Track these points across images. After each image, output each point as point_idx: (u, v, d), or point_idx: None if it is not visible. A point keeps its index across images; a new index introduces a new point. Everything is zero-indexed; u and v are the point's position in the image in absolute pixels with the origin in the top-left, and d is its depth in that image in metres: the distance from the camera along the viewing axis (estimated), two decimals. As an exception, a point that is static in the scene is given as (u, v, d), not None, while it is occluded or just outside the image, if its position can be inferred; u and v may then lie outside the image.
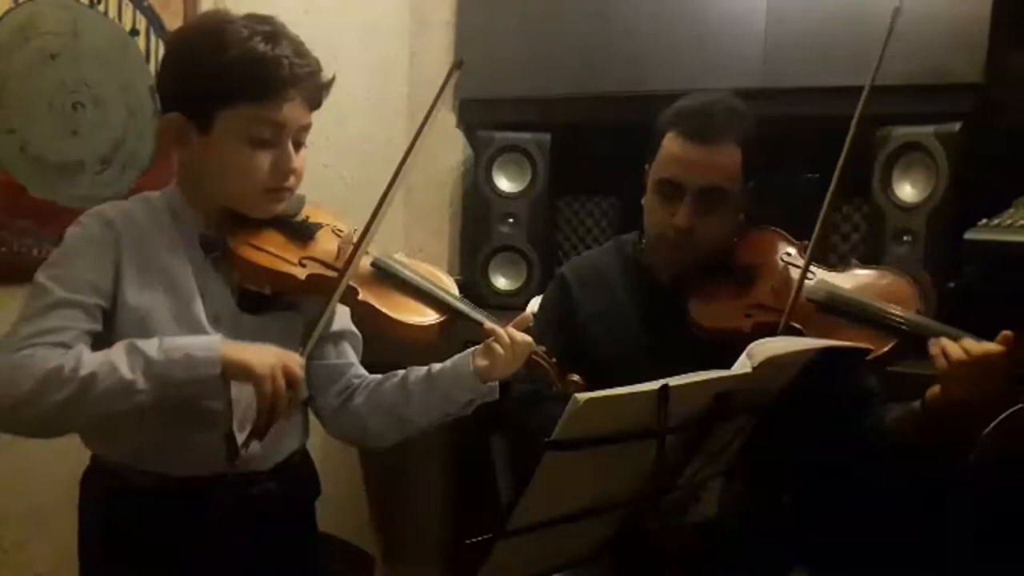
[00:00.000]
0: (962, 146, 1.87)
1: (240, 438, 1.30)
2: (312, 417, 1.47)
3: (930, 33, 1.94)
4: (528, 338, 1.34)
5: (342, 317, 1.42)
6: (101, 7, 1.88)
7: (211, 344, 1.19)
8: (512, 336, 1.33)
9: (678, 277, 1.58)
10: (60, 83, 1.83)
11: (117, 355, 1.16)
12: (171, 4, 1.97)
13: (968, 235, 1.76)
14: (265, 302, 1.33)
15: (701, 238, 1.53)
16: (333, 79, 1.33)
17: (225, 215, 1.31)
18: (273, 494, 1.37)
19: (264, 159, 1.27)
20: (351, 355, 1.45)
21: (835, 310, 1.46)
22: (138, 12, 1.93)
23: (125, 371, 1.14)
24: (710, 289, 1.55)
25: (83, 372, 1.13)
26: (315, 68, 1.30)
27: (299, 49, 1.28)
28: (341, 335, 1.44)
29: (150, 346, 1.17)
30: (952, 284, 1.85)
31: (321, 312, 1.28)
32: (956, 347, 1.29)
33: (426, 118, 1.34)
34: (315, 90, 1.31)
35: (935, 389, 1.33)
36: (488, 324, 1.34)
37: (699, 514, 1.34)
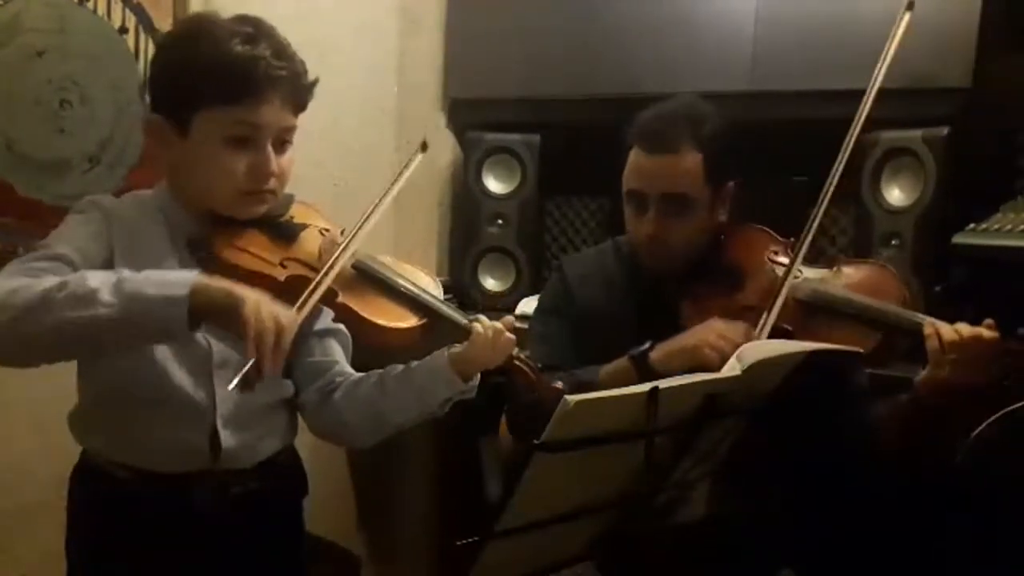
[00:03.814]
0: (950, 150, 1.88)
1: (223, 435, 1.30)
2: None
3: (918, 37, 1.94)
4: (511, 336, 1.32)
5: (330, 316, 1.41)
6: (89, 4, 1.87)
7: (189, 272, 1.14)
8: (494, 327, 1.31)
9: (670, 280, 1.60)
10: (47, 81, 1.82)
11: (95, 271, 1.13)
12: (160, 1, 1.96)
13: (956, 239, 1.77)
14: None
15: (673, 244, 1.56)
16: (316, 81, 1.32)
17: (211, 216, 1.31)
18: (258, 493, 1.36)
19: (241, 161, 1.26)
20: (336, 353, 1.44)
21: (820, 308, 1.47)
22: (127, 9, 1.92)
23: (93, 281, 1.10)
24: (700, 293, 1.56)
25: (55, 280, 1.10)
26: (296, 69, 1.28)
27: (280, 50, 1.26)
28: (327, 333, 1.43)
29: (130, 272, 1.13)
30: (939, 288, 1.86)
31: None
32: (949, 328, 1.32)
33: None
34: (296, 91, 1.29)
35: (924, 373, 1.35)
36: (469, 321, 1.32)
37: (688, 515, 1.34)
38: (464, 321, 1.33)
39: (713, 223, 1.60)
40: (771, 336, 1.40)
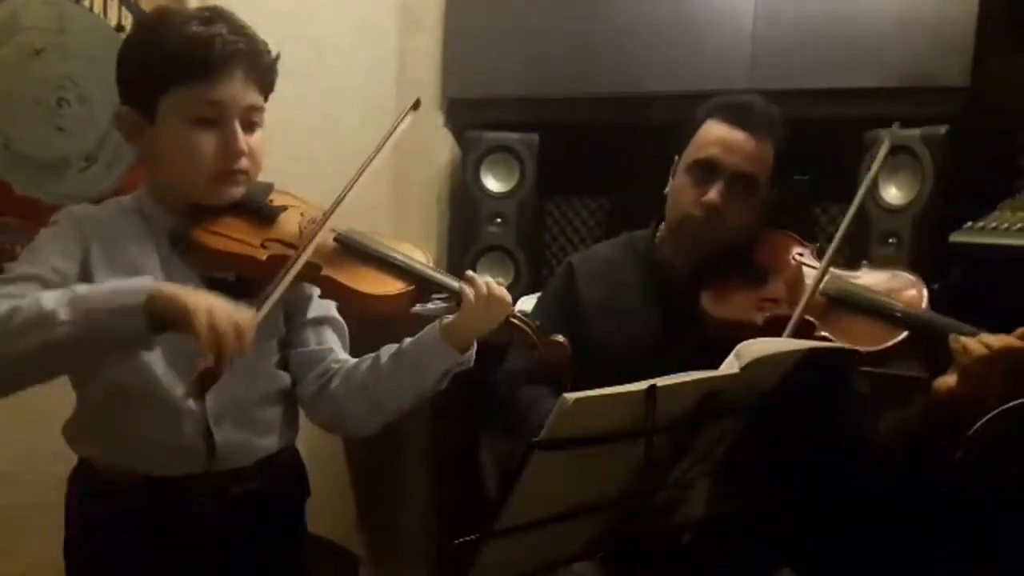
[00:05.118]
0: (948, 149, 1.88)
1: (216, 432, 1.29)
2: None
3: (917, 37, 1.96)
4: (507, 295, 1.30)
5: (324, 304, 1.41)
6: (86, 3, 1.87)
7: (142, 280, 1.14)
8: (489, 287, 1.29)
9: (692, 271, 1.59)
10: (45, 79, 1.82)
11: (48, 292, 1.11)
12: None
13: (953, 237, 1.77)
14: (235, 291, 1.27)
15: (726, 222, 1.56)
16: (278, 57, 1.31)
17: (189, 209, 1.30)
18: (257, 493, 1.35)
19: (209, 141, 1.25)
20: (332, 341, 1.43)
21: (847, 303, 1.47)
22: (124, 8, 1.92)
23: (48, 303, 1.08)
24: (724, 283, 1.56)
25: (5, 307, 1.09)
26: (255, 46, 1.27)
27: (236, 27, 1.26)
28: (322, 321, 1.42)
29: (85, 285, 1.14)
30: (936, 286, 1.86)
31: (278, 286, 1.21)
32: (976, 342, 1.30)
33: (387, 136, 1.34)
34: (258, 67, 1.28)
35: (949, 383, 1.32)
36: (459, 284, 1.31)
37: (688, 515, 1.34)
38: (455, 284, 1.31)
39: (756, 219, 1.60)
40: (795, 328, 1.40)
